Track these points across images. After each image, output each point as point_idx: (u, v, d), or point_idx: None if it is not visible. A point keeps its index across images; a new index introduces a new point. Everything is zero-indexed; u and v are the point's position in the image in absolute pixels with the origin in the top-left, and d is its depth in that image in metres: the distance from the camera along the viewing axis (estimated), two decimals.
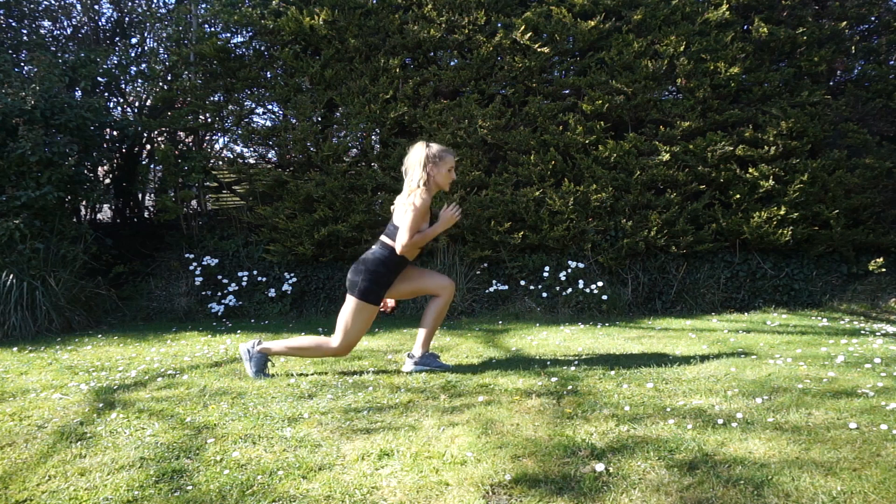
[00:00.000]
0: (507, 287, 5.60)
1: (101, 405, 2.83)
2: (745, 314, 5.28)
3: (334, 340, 3.19)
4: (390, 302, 3.43)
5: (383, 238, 3.20)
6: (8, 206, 4.97)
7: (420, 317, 3.46)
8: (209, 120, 6.37)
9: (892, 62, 5.88)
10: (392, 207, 3.30)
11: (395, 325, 5.00)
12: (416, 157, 3.16)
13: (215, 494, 1.91)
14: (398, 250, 3.10)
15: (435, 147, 3.19)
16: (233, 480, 1.99)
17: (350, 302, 3.16)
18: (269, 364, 3.32)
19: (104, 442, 2.36)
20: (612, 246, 5.55)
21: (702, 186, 5.58)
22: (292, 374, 3.29)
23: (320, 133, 5.78)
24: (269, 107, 6.54)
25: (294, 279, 5.81)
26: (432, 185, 3.18)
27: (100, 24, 7.24)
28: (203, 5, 6.18)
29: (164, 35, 6.58)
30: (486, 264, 5.76)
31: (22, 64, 6.00)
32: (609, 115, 5.56)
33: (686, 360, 3.46)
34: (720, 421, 2.40)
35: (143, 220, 7.23)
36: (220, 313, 5.62)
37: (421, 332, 3.37)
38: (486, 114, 5.50)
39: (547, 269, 5.55)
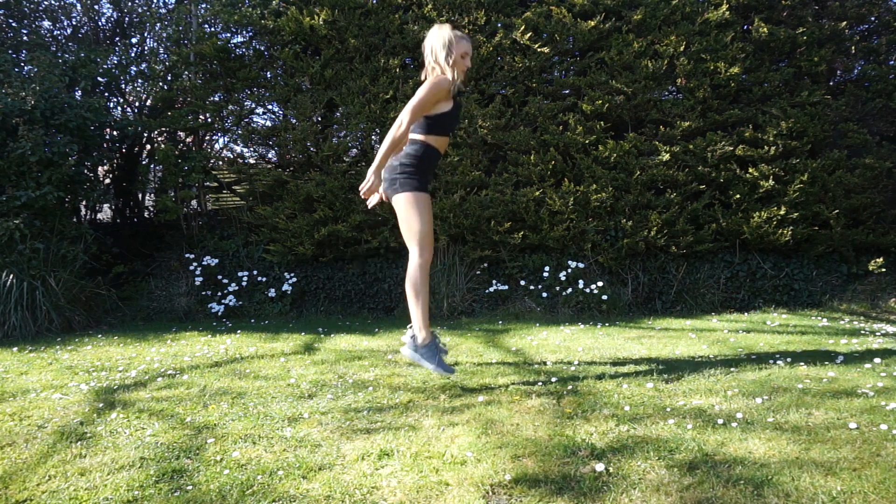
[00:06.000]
0: (507, 287, 5.60)
1: (101, 405, 2.83)
2: (745, 314, 5.28)
3: (412, 252, 2.99)
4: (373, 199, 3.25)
5: (411, 135, 3.02)
6: (8, 206, 4.97)
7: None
8: (209, 120, 6.37)
9: (892, 62, 5.87)
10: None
11: (395, 326, 5.00)
12: (438, 38, 2.96)
13: (215, 494, 1.91)
14: (398, 127, 2.86)
15: (453, 30, 3.00)
16: (233, 480, 1.99)
17: (399, 201, 2.97)
18: (442, 344, 3.05)
19: (104, 442, 2.36)
20: (612, 246, 5.55)
21: (702, 186, 5.58)
22: (292, 375, 3.29)
23: (320, 133, 5.78)
24: (269, 107, 6.54)
25: (294, 279, 5.81)
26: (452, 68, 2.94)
27: (100, 24, 7.24)
28: (203, 5, 6.18)
29: (164, 35, 6.57)
30: (486, 264, 5.75)
31: (22, 64, 6.00)
32: (609, 115, 5.56)
33: (686, 360, 3.46)
34: (720, 421, 2.40)
35: (143, 220, 7.23)
36: (220, 313, 5.62)
37: (414, 309, 3.01)
38: (486, 114, 5.50)
39: (547, 269, 5.55)
